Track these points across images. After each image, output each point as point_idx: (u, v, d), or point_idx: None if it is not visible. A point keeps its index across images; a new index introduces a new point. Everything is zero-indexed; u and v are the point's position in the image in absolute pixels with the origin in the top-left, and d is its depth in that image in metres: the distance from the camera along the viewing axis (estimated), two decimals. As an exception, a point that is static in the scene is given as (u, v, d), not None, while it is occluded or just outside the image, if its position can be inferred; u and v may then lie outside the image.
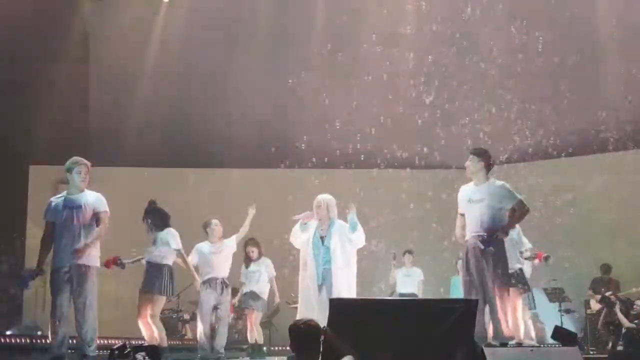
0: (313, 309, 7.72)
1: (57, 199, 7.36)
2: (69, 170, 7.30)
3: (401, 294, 11.71)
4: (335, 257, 8.00)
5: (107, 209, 7.40)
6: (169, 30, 13.27)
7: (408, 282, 11.91)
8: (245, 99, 12.68)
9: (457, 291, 10.57)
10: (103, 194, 7.50)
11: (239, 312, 11.58)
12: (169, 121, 12.21)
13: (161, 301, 8.66)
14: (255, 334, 10.24)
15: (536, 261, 8.86)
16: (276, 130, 12.12)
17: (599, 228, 12.27)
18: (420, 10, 12.23)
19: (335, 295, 7.60)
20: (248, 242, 10.23)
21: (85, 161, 7.37)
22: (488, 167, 7.42)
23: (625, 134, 12.13)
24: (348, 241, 8.06)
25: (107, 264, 8.19)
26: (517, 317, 8.02)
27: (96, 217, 7.31)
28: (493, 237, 7.13)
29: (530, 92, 12.35)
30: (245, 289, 10.26)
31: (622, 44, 11.89)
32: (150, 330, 8.45)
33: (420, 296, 11.60)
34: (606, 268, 11.98)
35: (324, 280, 7.96)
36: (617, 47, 11.96)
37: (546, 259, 8.68)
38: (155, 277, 8.50)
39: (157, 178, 11.48)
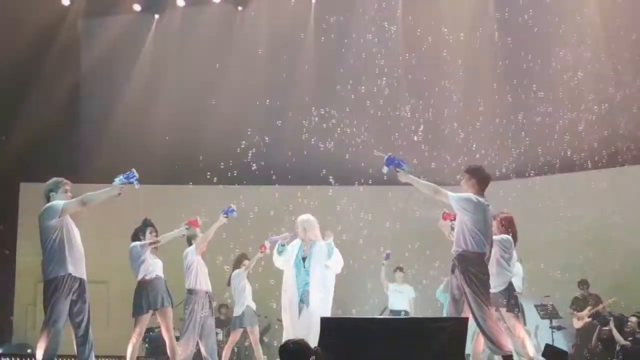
0: (295, 329, 7.73)
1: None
2: (54, 189, 7.27)
3: (392, 312, 11.80)
4: (314, 279, 8.04)
5: None
6: (160, 48, 13.31)
7: (400, 298, 11.95)
8: (232, 115, 12.68)
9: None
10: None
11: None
12: (158, 139, 12.20)
13: (171, 313, 8.73)
14: (260, 352, 10.23)
15: (441, 222, 7.91)
16: (261, 147, 12.08)
17: (580, 244, 12.30)
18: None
19: (310, 318, 7.68)
20: (241, 256, 10.28)
21: (67, 181, 7.38)
22: (481, 184, 7.35)
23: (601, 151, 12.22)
24: (325, 266, 8.12)
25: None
26: (520, 333, 7.96)
27: None
28: (465, 253, 7.03)
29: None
30: (241, 307, 10.19)
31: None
32: (135, 351, 8.45)
33: (412, 314, 11.65)
34: (584, 284, 12.00)
35: (304, 301, 7.99)
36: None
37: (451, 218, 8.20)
38: (162, 291, 8.57)
39: (146, 195, 11.44)
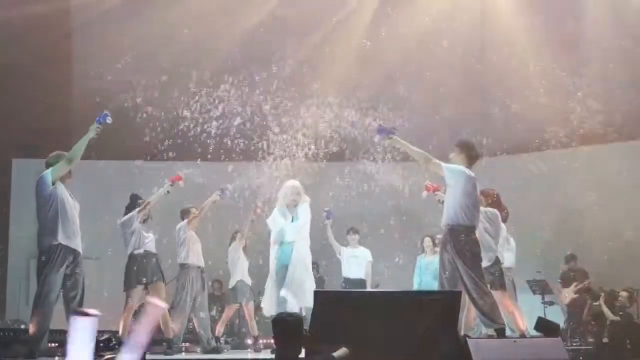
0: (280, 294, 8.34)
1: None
2: (54, 164, 7.31)
3: (346, 279, 10.71)
4: (300, 241, 8.65)
5: None
6: (154, 26, 13.05)
7: (355, 264, 10.71)
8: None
9: (423, 272, 10.49)
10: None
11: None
12: (150, 115, 12.09)
13: (163, 288, 8.81)
14: (254, 326, 10.28)
15: (425, 193, 8.45)
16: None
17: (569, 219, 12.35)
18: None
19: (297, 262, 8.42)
20: (236, 231, 10.33)
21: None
22: (471, 159, 7.36)
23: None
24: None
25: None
26: (509, 308, 8.01)
27: None
28: (454, 227, 7.06)
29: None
30: (235, 279, 10.23)
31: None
32: (127, 325, 8.48)
33: (369, 281, 10.73)
34: (571, 258, 11.84)
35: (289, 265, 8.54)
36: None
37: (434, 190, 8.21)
38: (152, 266, 8.65)
39: (139, 171, 11.45)
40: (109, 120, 7.47)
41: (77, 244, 7.25)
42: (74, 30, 12.73)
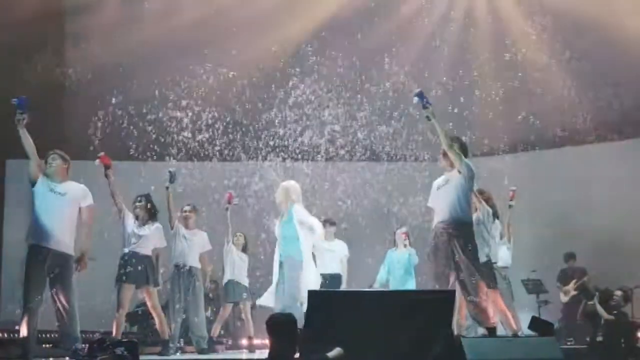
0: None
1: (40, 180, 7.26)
2: (45, 162, 7.35)
3: (323, 276, 9.63)
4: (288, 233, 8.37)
5: (92, 202, 7.48)
6: (148, 31, 12.98)
7: (331, 258, 10.16)
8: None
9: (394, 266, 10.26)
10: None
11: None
12: (143, 115, 12.08)
13: (156, 292, 8.75)
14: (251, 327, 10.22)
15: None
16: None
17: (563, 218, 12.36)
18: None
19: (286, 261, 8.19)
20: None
21: (57, 153, 7.45)
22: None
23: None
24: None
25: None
26: (501, 307, 8.00)
27: (81, 211, 7.37)
28: (459, 222, 7.06)
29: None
30: (226, 278, 10.19)
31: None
32: (120, 326, 8.48)
33: (345, 276, 10.27)
34: (570, 256, 11.91)
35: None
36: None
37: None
38: (139, 268, 8.52)
39: (133, 172, 11.42)
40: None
41: (56, 244, 7.07)
42: (73, 30, 12.73)
